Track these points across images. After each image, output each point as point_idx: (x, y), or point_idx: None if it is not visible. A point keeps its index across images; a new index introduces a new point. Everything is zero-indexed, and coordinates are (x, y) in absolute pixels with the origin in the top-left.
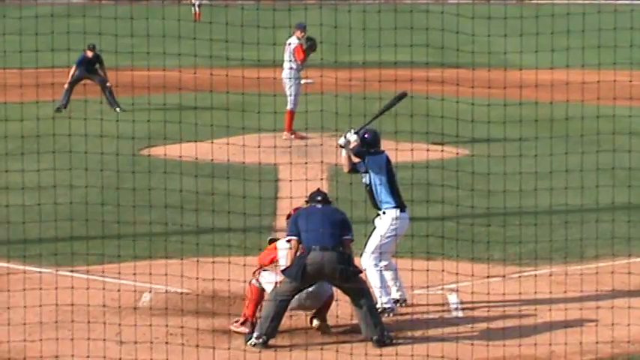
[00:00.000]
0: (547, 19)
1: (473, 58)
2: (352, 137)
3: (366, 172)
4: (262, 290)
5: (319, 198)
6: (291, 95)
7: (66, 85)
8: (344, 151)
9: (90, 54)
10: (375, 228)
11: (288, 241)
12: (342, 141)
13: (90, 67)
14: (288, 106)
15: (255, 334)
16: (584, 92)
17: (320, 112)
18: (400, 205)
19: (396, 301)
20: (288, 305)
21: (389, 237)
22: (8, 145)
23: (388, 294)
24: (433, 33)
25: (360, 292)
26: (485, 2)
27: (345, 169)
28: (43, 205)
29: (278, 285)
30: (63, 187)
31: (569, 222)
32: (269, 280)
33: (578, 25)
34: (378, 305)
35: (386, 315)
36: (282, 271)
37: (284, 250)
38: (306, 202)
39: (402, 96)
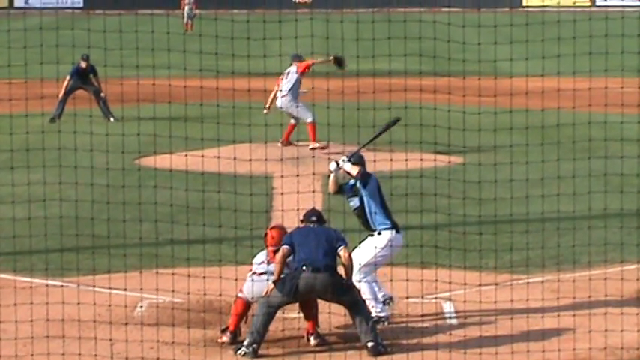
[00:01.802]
0: (537, 27)
1: (464, 66)
2: (346, 166)
3: (354, 195)
4: (247, 302)
5: (314, 218)
6: (304, 110)
7: (60, 96)
8: (332, 175)
9: (84, 64)
10: (365, 239)
11: (276, 251)
12: (332, 166)
13: (84, 77)
14: (308, 120)
15: (245, 343)
16: (575, 99)
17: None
18: (395, 226)
19: (384, 302)
20: (274, 315)
21: (382, 256)
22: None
23: (380, 303)
24: (426, 42)
25: (354, 304)
26: (475, 11)
27: (331, 191)
28: (38, 217)
29: (268, 295)
30: (55, 198)
31: (562, 229)
32: (249, 291)
33: (569, 32)
34: (373, 314)
35: (381, 323)
36: (274, 282)
37: (259, 266)
38: (301, 221)
39: (395, 121)
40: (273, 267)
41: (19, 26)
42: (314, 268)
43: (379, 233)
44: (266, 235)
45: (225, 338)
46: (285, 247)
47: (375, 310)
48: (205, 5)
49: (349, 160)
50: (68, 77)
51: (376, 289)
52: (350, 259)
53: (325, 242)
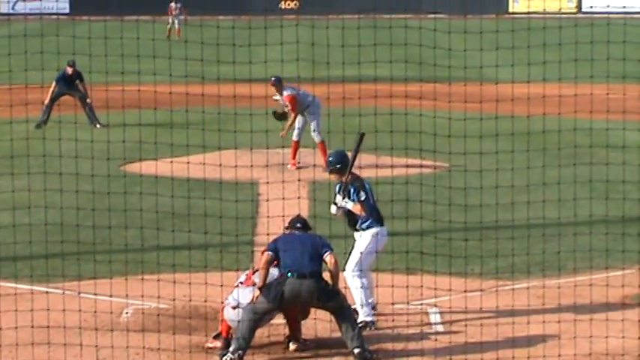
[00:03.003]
0: (523, 33)
1: (449, 72)
2: (345, 204)
3: (347, 196)
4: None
5: (299, 225)
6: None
7: (46, 102)
8: (339, 214)
9: (70, 70)
10: (354, 242)
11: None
12: (333, 209)
13: (70, 83)
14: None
15: (230, 349)
16: (561, 105)
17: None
18: (380, 220)
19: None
20: (261, 322)
21: (369, 252)
22: None
23: (369, 308)
24: (411, 48)
25: (340, 310)
26: (461, 17)
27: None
28: (30, 222)
29: (254, 302)
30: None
31: (547, 235)
32: (235, 299)
33: (555, 38)
34: (360, 319)
35: (367, 329)
36: (260, 288)
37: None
38: (286, 228)
39: (361, 136)
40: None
41: (4, 32)
42: (299, 275)
43: (364, 230)
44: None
45: (219, 344)
46: (268, 253)
47: (363, 314)
48: (191, 11)
49: (340, 193)
50: (54, 83)
51: (363, 298)
52: (336, 264)
53: (310, 248)
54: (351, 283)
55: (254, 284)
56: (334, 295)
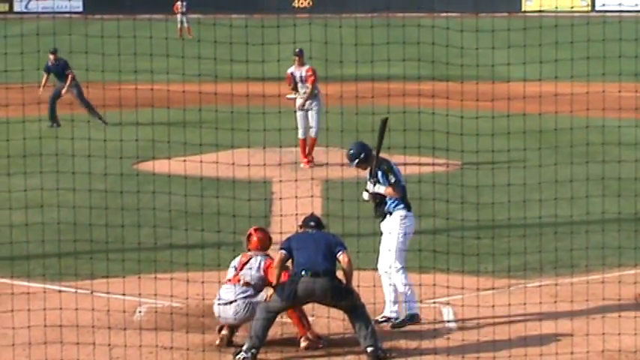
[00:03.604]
0: (535, 31)
1: (462, 70)
2: (377, 189)
3: (377, 182)
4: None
5: (312, 223)
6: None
7: (40, 91)
8: (371, 200)
9: (52, 57)
10: (382, 234)
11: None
12: (366, 196)
13: (59, 74)
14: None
15: (244, 348)
16: (572, 104)
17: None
18: (407, 205)
19: (411, 317)
20: (274, 320)
21: (400, 236)
22: None
23: (396, 305)
24: (424, 47)
25: (354, 308)
26: (474, 16)
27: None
28: (43, 220)
29: (268, 300)
30: (64, 196)
31: (559, 233)
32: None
33: (567, 36)
34: (385, 314)
35: (384, 324)
36: (274, 287)
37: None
38: (300, 226)
39: (385, 122)
40: (237, 289)
41: (16, 31)
42: (313, 273)
43: (390, 214)
44: (249, 236)
45: (224, 332)
46: (282, 252)
47: (388, 309)
48: (204, 10)
49: (370, 179)
50: (45, 75)
51: (409, 292)
52: (349, 263)
53: (324, 247)
54: (392, 273)
55: (239, 281)
56: (348, 294)
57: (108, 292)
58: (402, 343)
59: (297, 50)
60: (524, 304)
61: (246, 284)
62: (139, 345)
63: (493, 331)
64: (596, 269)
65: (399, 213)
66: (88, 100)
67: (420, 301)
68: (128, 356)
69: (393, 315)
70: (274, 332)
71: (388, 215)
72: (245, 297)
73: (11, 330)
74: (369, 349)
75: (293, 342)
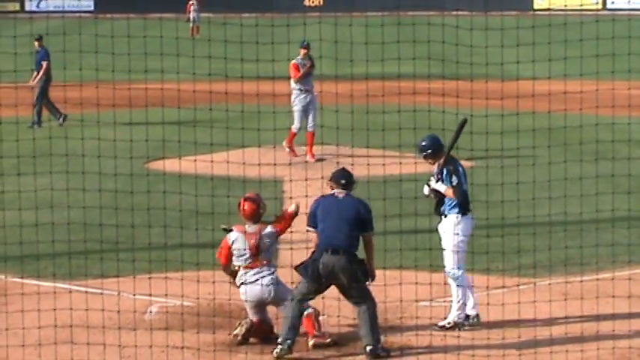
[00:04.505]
0: (544, 29)
1: (472, 69)
2: (438, 186)
3: (440, 179)
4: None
5: (343, 181)
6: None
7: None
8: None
9: (36, 45)
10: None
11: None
12: (426, 190)
13: (36, 62)
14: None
15: (280, 340)
16: (582, 102)
17: (320, 127)
18: (463, 209)
19: (466, 317)
20: (306, 305)
21: (454, 239)
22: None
23: (461, 306)
24: (434, 45)
25: (362, 295)
26: (483, 14)
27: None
28: (51, 218)
29: (296, 286)
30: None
31: (569, 231)
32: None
33: (576, 34)
34: (450, 320)
35: (457, 329)
36: (296, 268)
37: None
38: (329, 180)
39: (463, 123)
40: (261, 270)
41: (26, 31)
42: (334, 250)
43: (445, 216)
44: (239, 204)
45: (244, 326)
46: (313, 232)
47: (453, 312)
48: (214, 9)
49: (437, 181)
50: (45, 63)
51: (461, 294)
52: (370, 244)
53: (349, 222)
54: (454, 275)
55: (260, 264)
56: (362, 278)
57: (118, 292)
58: (413, 341)
59: (305, 44)
60: (534, 302)
61: (268, 262)
62: (149, 345)
63: (503, 330)
64: (606, 267)
65: (454, 216)
66: (49, 99)
67: (431, 300)
68: (139, 356)
69: (474, 312)
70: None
71: (443, 217)
72: (270, 273)
73: (21, 330)
74: (368, 348)
75: (303, 340)
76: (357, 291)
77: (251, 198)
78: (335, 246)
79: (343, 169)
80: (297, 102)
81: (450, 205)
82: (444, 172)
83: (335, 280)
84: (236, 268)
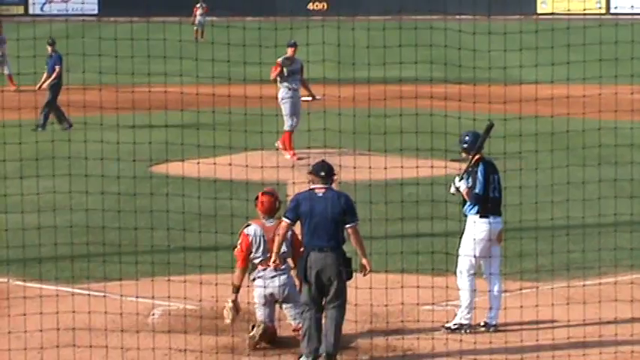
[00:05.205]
0: (547, 34)
1: (474, 73)
2: (460, 184)
3: (465, 177)
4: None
5: (322, 173)
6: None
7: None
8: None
9: (49, 50)
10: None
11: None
12: (453, 189)
13: (49, 66)
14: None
15: (305, 353)
16: (585, 106)
17: (323, 130)
18: (482, 211)
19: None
20: (320, 311)
21: (469, 241)
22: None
23: (468, 309)
24: (437, 49)
25: (340, 297)
26: (486, 18)
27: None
28: (56, 221)
29: (301, 295)
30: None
31: (571, 235)
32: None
33: (579, 39)
34: (456, 321)
35: (463, 332)
36: (297, 276)
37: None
38: (308, 174)
39: (491, 126)
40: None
41: (29, 34)
42: (320, 248)
43: (465, 216)
44: (257, 198)
45: (258, 330)
46: (286, 221)
47: (460, 315)
48: (218, 13)
49: (461, 179)
50: (57, 68)
51: (465, 298)
52: (356, 235)
53: (332, 217)
54: (460, 275)
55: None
56: (346, 277)
57: (121, 295)
58: (415, 345)
59: (293, 42)
60: (537, 306)
61: (282, 262)
62: (152, 348)
63: (505, 334)
64: (609, 271)
65: (472, 218)
66: (58, 106)
67: (433, 304)
68: (142, 359)
69: (465, 321)
70: (279, 332)
71: (464, 217)
72: (284, 273)
73: (24, 333)
74: (324, 354)
75: (296, 342)
76: (337, 291)
77: (268, 192)
78: (320, 246)
79: (323, 161)
80: (285, 100)
81: (470, 206)
82: (468, 171)
83: (324, 277)
84: (255, 261)
